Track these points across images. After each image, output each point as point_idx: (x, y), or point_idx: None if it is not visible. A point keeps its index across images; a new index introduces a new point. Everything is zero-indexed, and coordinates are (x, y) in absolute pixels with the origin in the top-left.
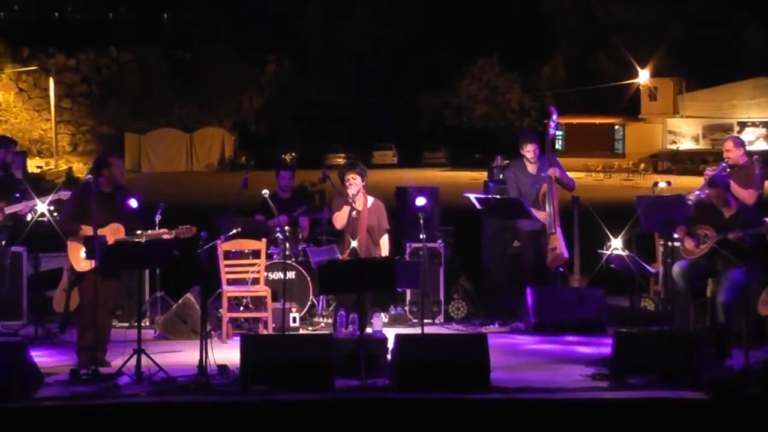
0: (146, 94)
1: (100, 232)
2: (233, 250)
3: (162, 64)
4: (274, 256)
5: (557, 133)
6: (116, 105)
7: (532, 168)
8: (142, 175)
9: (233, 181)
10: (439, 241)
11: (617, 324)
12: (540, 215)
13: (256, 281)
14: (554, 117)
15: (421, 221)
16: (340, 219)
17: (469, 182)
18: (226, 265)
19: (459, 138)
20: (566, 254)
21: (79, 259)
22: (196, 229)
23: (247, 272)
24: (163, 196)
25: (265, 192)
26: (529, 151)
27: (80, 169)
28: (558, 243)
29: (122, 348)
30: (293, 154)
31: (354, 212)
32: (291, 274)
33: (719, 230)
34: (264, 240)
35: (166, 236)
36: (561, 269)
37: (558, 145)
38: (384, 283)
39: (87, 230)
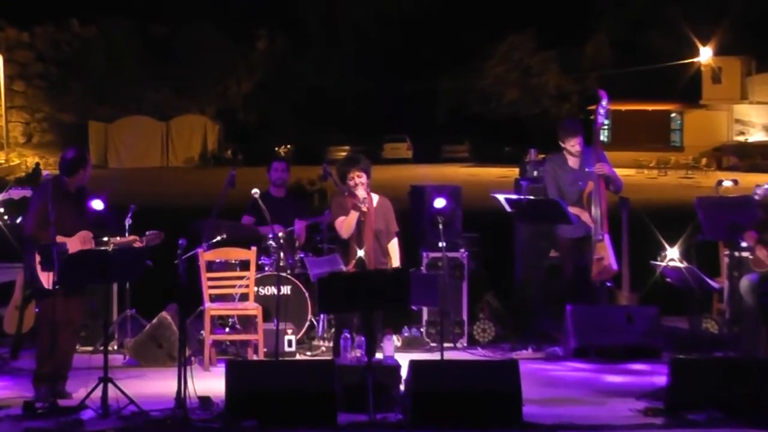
0: (114, 76)
1: (69, 240)
2: (217, 261)
3: (133, 40)
4: (266, 268)
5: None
6: (78, 88)
7: (573, 162)
8: (109, 171)
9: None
10: (462, 250)
11: (674, 349)
12: (585, 218)
13: (244, 297)
14: (604, 102)
15: (441, 226)
16: (347, 227)
17: (497, 180)
18: (209, 278)
19: (485, 128)
20: (614, 266)
21: (47, 274)
22: (177, 235)
23: (234, 286)
24: (134, 197)
25: (255, 191)
26: (573, 145)
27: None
28: (605, 253)
29: (86, 376)
30: (288, 147)
31: (359, 215)
32: (286, 289)
33: None
34: (254, 248)
35: (137, 244)
36: (608, 284)
37: (603, 136)
38: (396, 300)
39: (63, 240)
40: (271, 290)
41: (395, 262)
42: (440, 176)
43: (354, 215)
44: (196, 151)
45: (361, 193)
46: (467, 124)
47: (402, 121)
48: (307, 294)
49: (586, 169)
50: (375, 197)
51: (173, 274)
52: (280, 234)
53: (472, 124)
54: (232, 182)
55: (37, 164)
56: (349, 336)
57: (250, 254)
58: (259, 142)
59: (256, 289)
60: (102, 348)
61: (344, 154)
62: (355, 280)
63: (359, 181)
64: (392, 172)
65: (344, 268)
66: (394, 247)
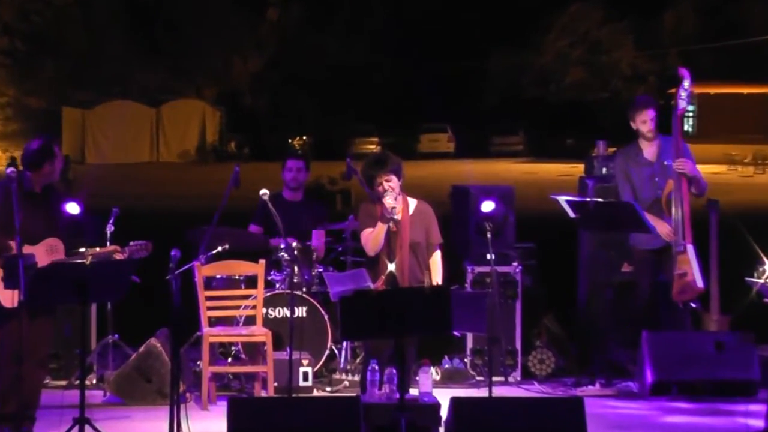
0: (94, 53)
1: (33, 249)
2: (218, 276)
3: (117, 10)
4: (277, 285)
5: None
6: (50, 67)
7: (650, 152)
8: (87, 167)
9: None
10: (515, 263)
11: None
12: (662, 227)
13: (250, 321)
14: (686, 84)
15: (489, 235)
16: (373, 242)
17: (557, 179)
18: (208, 298)
19: (543, 116)
20: (700, 283)
21: (9, 291)
22: (169, 245)
23: (238, 308)
24: (117, 198)
25: (264, 193)
26: (644, 121)
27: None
28: (688, 267)
29: (58, 417)
30: (305, 138)
31: (391, 224)
32: (301, 311)
33: None
34: (262, 261)
35: (118, 255)
36: (692, 305)
37: (686, 126)
38: (435, 324)
39: (26, 248)
40: (283, 312)
41: (436, 278)
42: (488, 174)
43: (382, 228)
44: (192, 143)
45: (389, 201)
46: (521, 111)
47: (442, 108)
48: (326, 317)
49: (665, 162)
50: (412, 202)
51: (164, 292)
52: (294, 244)
53: (527, 111)
54: (237, 181)
55: (13, 159)
56: (377, 368)
57: (258, 268)
58: (269, 132)
59: (264, 310)
60: (78, 382)
61: (372, 147)
62: (385, 300)
63: (388, 185)
64: (430, 169)
65: (372, 286)
66: (436, 261)
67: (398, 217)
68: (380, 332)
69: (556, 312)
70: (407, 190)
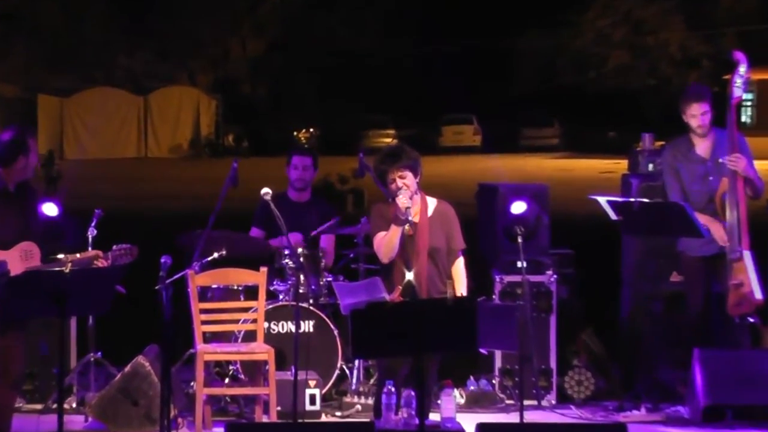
0: (73, 34)
1: (5, 255)
2: (214, 286)
3: None
4: (281, 296)
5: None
6: (24, 51)
7: (703, 148)
8: (67, 163)
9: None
10: (549, 272)
11: None
12: (716, 229)
13: (250, 336)
14: (742, 69)
15: (520, 240)
16: (387, 247)
17: (597, 177)
18: (203, 311)
19: (581, 105)
20: (759, 295)
21: None
22: (159, 251)
23: (237, 321)
24: (100, 198)
25: (266, 192)
26: (694, 115)
27: None
28: (745, 277)
29: None
30: (312, 131)
31: (407, 227)
32: (307, 325)
33: None
34: (264, 269)
35: (100, 262)
36: (750, 319)
37: (743, 116)
38: (459, 341)
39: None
40: (288, 327)
41: (460, 289)
42: (519, 171)
43: (396, 231)
44: (185, 136)
45: (403, 201)
46: (556, 100)
47: (467, 96)
48: (336, 332)
49: (720, 160)
50: (431, 202)
51: (153, 304)
52: (300, 250)
53: (563, 100)
54: (235, 179)
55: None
56: (393, 390)
57: (259, 277)
58: (271, 124)
59: (266, 325)
60: (55, 406)
61: (387, 140)
62: (403, 314)
63: (402, 182)
64: (453, 165)
65: (387, 297)
66: (459, 269)
67: (415, 219)
68: (397, 350)
69: (596, 327)
70: (427, 188)
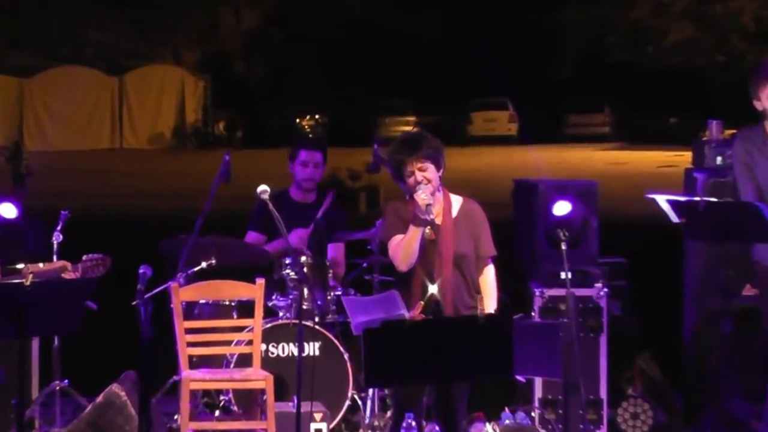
0: (37, 3)
1: None
2: (202, 301)
3: None
4: (281, 313)
5: None
6: None
7: None
8: (27, 156)
9: (202, 168)
10: (599, 284)
11: None
12: None
13: (245, 361)
14: None
15: (564, 247)
16: (405, 252)
17: (656, 172)
18: (189, 330)
19: (636, 88)
20: None
21: None
22: (137, 261)
23: (229, 343)
24: (67, 198)
25: (264, 191)
26: None
27: None
28: None
29: None
30: (318, 117)
31: (428, 230)
32: (313, 348)
33: None
34: (261, 281)
35: (68, 274)
36: None
37: None
38: (491, 366)
39: None
40: (289, 349)
41: (490, 303)
42: (563, 165)
43: (415, 233)
44: (167, 123)
45: (424, 197)
46: (607, 82)
47: (501, 77)
48: (346, 356)
49: None
50: (456, 201)
51: (130, 322)
52: (304, 259)
53: (614, 82)
54: (227, 174)
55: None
56: (414, 424)
57: (256, 291)
58: (270, 109)
59: (264, 347)
60: None
61: (408, 129)
62: (425, 334)
63: (422, 177)
64: (485, 158)
65: (406, 314)
66: (488, 280)
67: (437, 220)
68: (418, 376)
69: (655, 350)
70: (452, 185)
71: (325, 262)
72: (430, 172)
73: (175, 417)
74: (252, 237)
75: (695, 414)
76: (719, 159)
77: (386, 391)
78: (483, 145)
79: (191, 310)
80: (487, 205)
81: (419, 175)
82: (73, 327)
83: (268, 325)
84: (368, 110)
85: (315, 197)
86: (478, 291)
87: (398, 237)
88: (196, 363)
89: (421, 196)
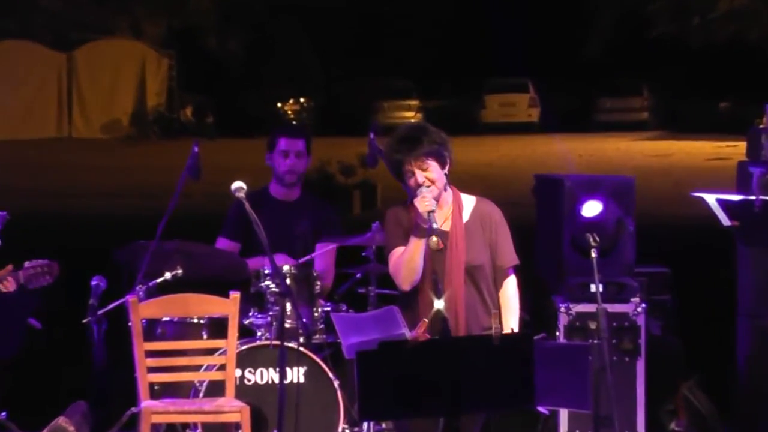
0: None
1: None
2: (166, 319)
3: None
4: (259, 333)
5: None
6: None
7: None
8: None
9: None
10: (636, 299)
11: None
12: None
13: (216, 389)
14: None
15: (595, 254)
16: (406, 268)
17: (704, 165)
18: (151, 353)
19: (679, 66)
20: None
21: None
22: (89, 271)
23: (198, 368)
24: (7, 196)
25: (240, 187)
26: None
27: None
28: None
29: None
30: (303, 101)
31: (434, 239)
32: (297, 374)
33: None
34: (236, 295)
35: (6, 284)
36: None
37: None
38: (509, 395)
39: None
40: (269, 376)
41: (510, 321)
42: (594, 157)
43: (417, 246)
44: (125, 108)
45: (425, 203)
46: (646, 59)
47: (521, 55)
48: (336, 383)
49: None
50: (469, 202)
51: (81, 344)
52: (287, 267)
53: (655, 59)
54: (196, 169)
55: None
56: None
57: (229, 306)
58: (247, 91)
59: (239, 372)
60: None
61: (410, 115)
62: (431, 357)
63: (424, 178)
64: (501, 149)
65: (408, 334)
66: (508, 295)
67: (445, 226)
68: (422, 409)
69: (703, 377)
70: (463, 182)
71: (312, 272)
72: (434, 171)
73: None
74: (224, 244)
75: None
76: None
77: (384, 426)
78: (499, 134)
79: (153, 328)
80: (503, 205)
81: (420, 176)
82: (11, 350)
83: (244, 347)
84: (364, 93)
85: (299, 194)
86: (496, 307)
87: (399, 250)
88: (158, 392)
89: (422, 202)
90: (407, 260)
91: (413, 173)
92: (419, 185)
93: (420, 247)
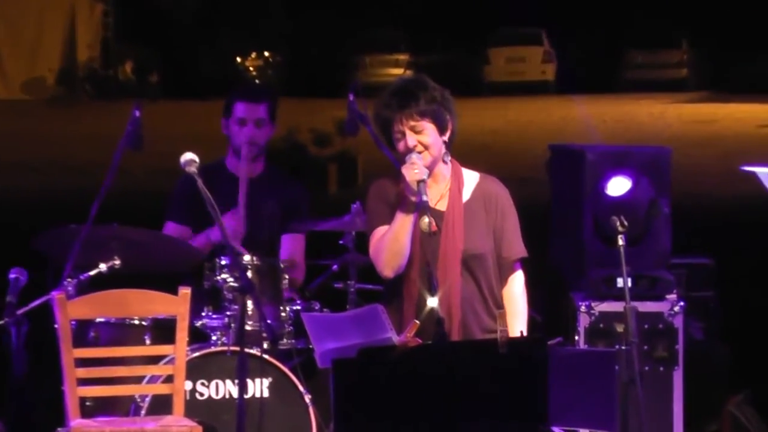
0: None
1: None
2: (101, 320)
3: None
4: (214, 337)
5: None
6: None
7: None
8: None
9: (101, 126)
10: (672, 296)
11: None
12: None
13: (163, 404)
14: None
15: (622, 242)
16: (389, 249)
17: (755, 134)
18: (81, 361)
19: (724, 13)
20: None
21: None
22: (6, 262)
23: (140, 380)
24: None
25: (191, 161)
26: None
27: None
28: None
29: None
30: (268, 56)
31: (426, 220)
32: (260, 386)
33: None
34: (185, 291)
35: None
36: None
37: None
38: (517, 412)
39: None
40: (226, 389)
41: (516, 324)
42: (621, 124)
43: (404, 223)
44: (49, 64)
45: (415, 170)
46: (686, 5)
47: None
48: (308, 398)
49: None
50: (471, 178)
51: None
52: (248, 258)
53: (696, 5)
54: (137, 137)
55: None
56: None
57: (178, 304)
58: (199, 44)
59: (190, 385)
60: None
61: (398, 72)
62: (422, 367)
63: (416, 141)
64: (509, 113)
65: (395, 338)
66: (515, 292)
67: (440, 206)
68: (412, 429)
69: (753, 390)
70: (464, 154)
71: (279, 264)
72: (429, 134)
73: None
74: (171, 230)
75: None
76: None
77: None
78: (506, 95)
79: (85, 332)
80: (510, 182)
81: (411, 139)
82: None
83: (196, 354)
84: (343, 46)
85: (262, 169)
86: (500, 307)
87: (382, 229)
88: (91, 408)
89: (412, 169)
90: (391, 240)
91: (403, 135)
92: (409, 150)
93: (407, 224)
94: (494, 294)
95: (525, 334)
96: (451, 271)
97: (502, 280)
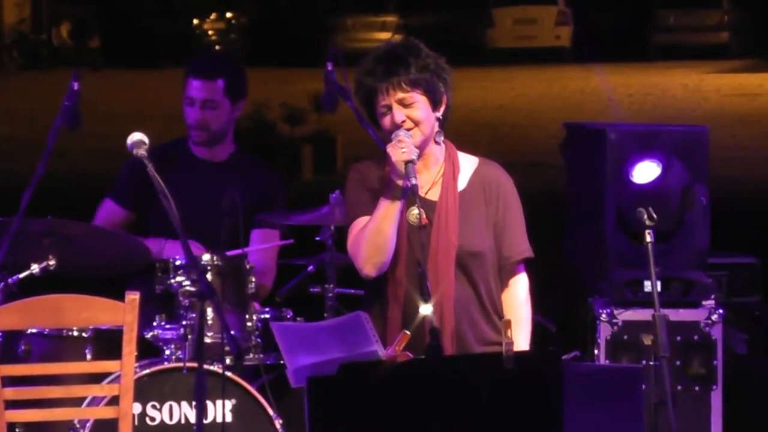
0: None
1: None
2: (33, 331)
3: None
4: (167, 351)
5: None
6: None
7: None
8: None
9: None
10: (710, 302)
11: None
12: None
13: (104, 431)
14: None
15: (650, 238)
16: (370, 245)
17: None
18: (11, 380)
19: None
20: None
21: None
22: None
23: (80, 402)
24: None
25: (139, 142)
26: None
27: None
28: None
29: None
30: (230, 17)
31: (415, 210)
32: (221, 409)
33: None
34: (134, 297)
35: None
36: None
37: None
38: None
39: None
40: (181, 412)
41: (518, 335)
42: (650, 96)
43: (388, 211)
44: None
45: (402, 149)
46: None
47: None
48: (279, 423)
49: None
50: (468, 163)
51: None
52: (208, 257)
53: None
54: (74, 114)
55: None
56: None
57: (124, 313)
58: (149, 3)
59: (139, 408)
60: None
61: (385, 36)
62: (413, 385)
63: (403, 116)
64: (517, 85)
65: (381, 352)
66: (517, 297)
67: (431, 194)
68: None
69: None
70: (461, 134)
71: (245, 264)
72: (419, 108)
73: None
74: (108, 209)
75: None
76: None
77: None
78: (513, 63)
79: (13, 345)
80: (518, 167)
81: (399, 114)
82: None
83: (146, 372)
84: (319, 6)
85: (232, 151)
86: (501, 314)
87: (363, 220)
88: None
89: (398, 148)
90: (373, 231)
91: (389, 109)
92: (396, 127)
93: (392, 213)
94: (494, 299)
95: (528, 348)
96: (443, 271)
97: (503, 283)
